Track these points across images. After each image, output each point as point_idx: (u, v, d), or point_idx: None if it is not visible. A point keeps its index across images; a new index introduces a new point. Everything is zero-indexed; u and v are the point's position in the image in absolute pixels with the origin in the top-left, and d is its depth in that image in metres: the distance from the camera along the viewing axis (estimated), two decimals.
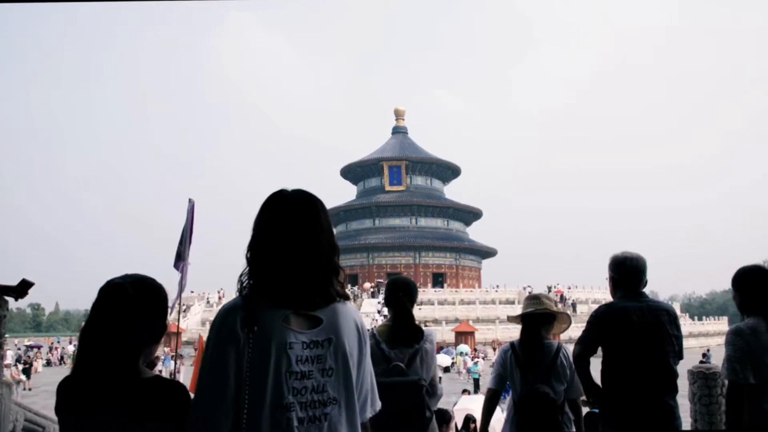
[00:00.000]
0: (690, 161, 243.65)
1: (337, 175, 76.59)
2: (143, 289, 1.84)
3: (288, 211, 1.78)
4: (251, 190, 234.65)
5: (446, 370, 29.85)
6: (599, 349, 3.46)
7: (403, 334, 3.38)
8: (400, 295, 3.46)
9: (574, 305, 49.10)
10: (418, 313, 47.14)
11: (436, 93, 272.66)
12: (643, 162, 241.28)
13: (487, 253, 72.75)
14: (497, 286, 58.01)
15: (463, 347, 32.70)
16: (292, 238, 1.74)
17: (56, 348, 46.70)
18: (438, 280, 64.92)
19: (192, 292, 58.93)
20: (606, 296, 54.61)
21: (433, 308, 48.26)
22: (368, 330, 3.54)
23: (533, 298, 4.04)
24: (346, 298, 1.82)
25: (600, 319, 3.39)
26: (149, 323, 1.83)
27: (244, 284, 1.77)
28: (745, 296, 3.17)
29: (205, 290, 58.01)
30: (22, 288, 4.18)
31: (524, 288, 53.51)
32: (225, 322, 1.68)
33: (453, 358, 31.43)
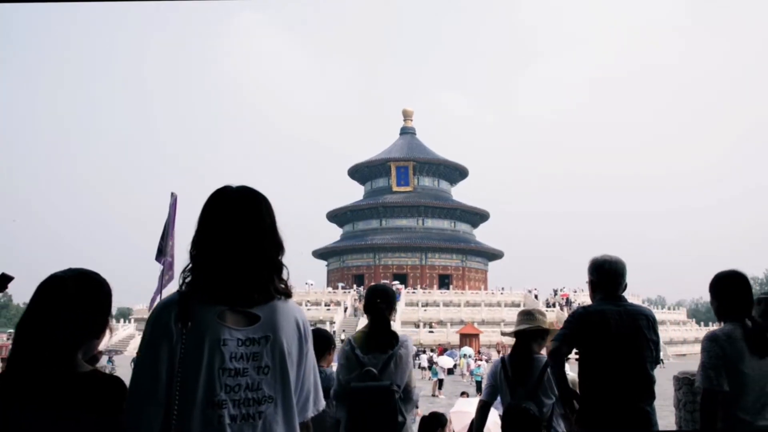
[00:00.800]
0: (698, 165, 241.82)
1: (345, 175, 76.84)
2: (84, 283, 1.82)
3: (229, 208, 1.78)
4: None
5: (449, 372, 29.79)
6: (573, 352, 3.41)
7: (378, 340, 3.40)
8: (377, 301, 3.49)
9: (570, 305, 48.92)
10: (424, 314, 47.28)
11: (445, 94, 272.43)
12: (651, 165, 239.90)
13: (493, 255, 72.70)
14: (503, 289, 57.95)
15: (467, 349, 32.62)
16: (232, 235, 1.74)
17: None
18: (444, 282, 64.90)
19: None
20: None
21: (438, 310, 48.30)
22: (344, 337, 3.59)
23: (526, 314, 4.11)
24: (288, 295, 1.81)
25: (578, 320, 3.33)
26: (89, 318, 1.81)
27: (186, 280, 1.76)
28: (723, 302, 3.11)
29: None
30: (1, 282, 4.21)
31: (529, 291, 53.44)
32: (159, 317, 1.67)
33: (456, 360, 31.35)
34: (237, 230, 1.75)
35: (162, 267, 7.84)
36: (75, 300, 1.78)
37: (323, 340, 3.99)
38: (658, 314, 56.69)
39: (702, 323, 63.76)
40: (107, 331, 1.90)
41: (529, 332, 3.91)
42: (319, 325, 38.00)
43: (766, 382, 2.93)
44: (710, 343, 2.97)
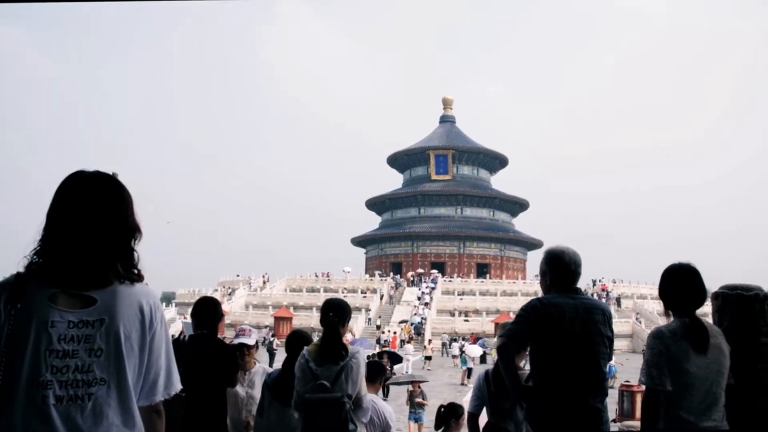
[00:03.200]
0: (727, 144, 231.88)
1: (384, 163, 76.82)
2: None
3: (76, 192, 1.79)
4: (299, 183, 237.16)
5: (482, 360, 29.84)
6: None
7: (329, 353, 3.57)
8: (330, 315, 3.66)
9: (618, 300, 48.15)
10: (460, 302, 47.17)
11: (485, 82, 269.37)
12: (687, 145, 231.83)
13: (532, 244, 71.78)
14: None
15: None
16: (74, 218, 1.75)
17: None
18: (482, 271, 64.53)
19: (238, 275, 60.15)
20: (653, 291, 53.33)
21: (474, 299, 48.11)
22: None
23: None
24: (132, 280, 1.80)
25: (532, 313, 3.17)
26: None
27: (28, 262, 1.78)
28: (671, 297, 2.97)
29: (251, 275, 59.13)
30: None
31: None
32: None
33: (488, 350, 31.34)
34: (79, 213, 1.76)
35: None
36: None
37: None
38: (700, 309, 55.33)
39: None
40: None
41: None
42: (355, 313, 38.12)
43: (713, 381, 2.81)
44: (654, 340, 2.85)
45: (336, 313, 3.67)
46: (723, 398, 2.84)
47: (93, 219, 1.76)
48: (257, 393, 4.47)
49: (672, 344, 2.80)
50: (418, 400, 11.59)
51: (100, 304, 1.72)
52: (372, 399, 4.59)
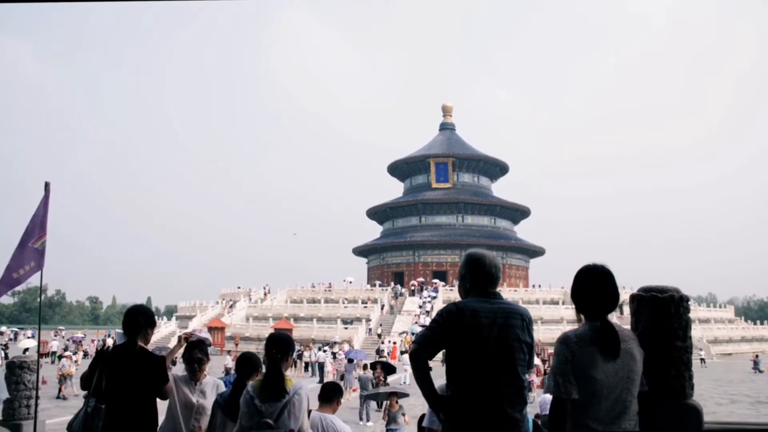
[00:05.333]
0: (731, 145, 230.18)
1: (385, 172, 76.86)
2: None
3: None
4: (300, 193, 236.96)
5: None
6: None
7: (272, 390, 3.65)
8: (273, 351, 3.71)
9: (621, 307, 47.89)
10: None
11: (485, 88, 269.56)
12: (705, 151, 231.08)
13: (534, 252, 71.67)
14: (540, 285, 57.16)
15: None
16: None
17: (93, 341, 48.48)
18: None
19: (239, 287, 60.17)
20: None
21: None
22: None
23: None
24: None
25: (447, 318, 3.04)
26: None
27: None
28: (581, 300, 2.84)
29: (252, 287, 59.15)
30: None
31: (562, 287, 52.42)
32: None
33: None
34: None
35: (24, 255, 7.41)
36: None
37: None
38: (704, 312, 54.95)
39: (757, 321, 61.78)
40: None
41: None
42: (356, 323, 38.18)
43: (622, 388, 2.66)
44: (560, 346, 2.70)
45: (278, 349, 3.73)
46: (635, 405, 2.71)
47: None
48: (208, 403, 4.48)
49: (578, 350, 2.66)
50: (407, 418, 11.37)
51: None
52: (331, 419, 4.65)
